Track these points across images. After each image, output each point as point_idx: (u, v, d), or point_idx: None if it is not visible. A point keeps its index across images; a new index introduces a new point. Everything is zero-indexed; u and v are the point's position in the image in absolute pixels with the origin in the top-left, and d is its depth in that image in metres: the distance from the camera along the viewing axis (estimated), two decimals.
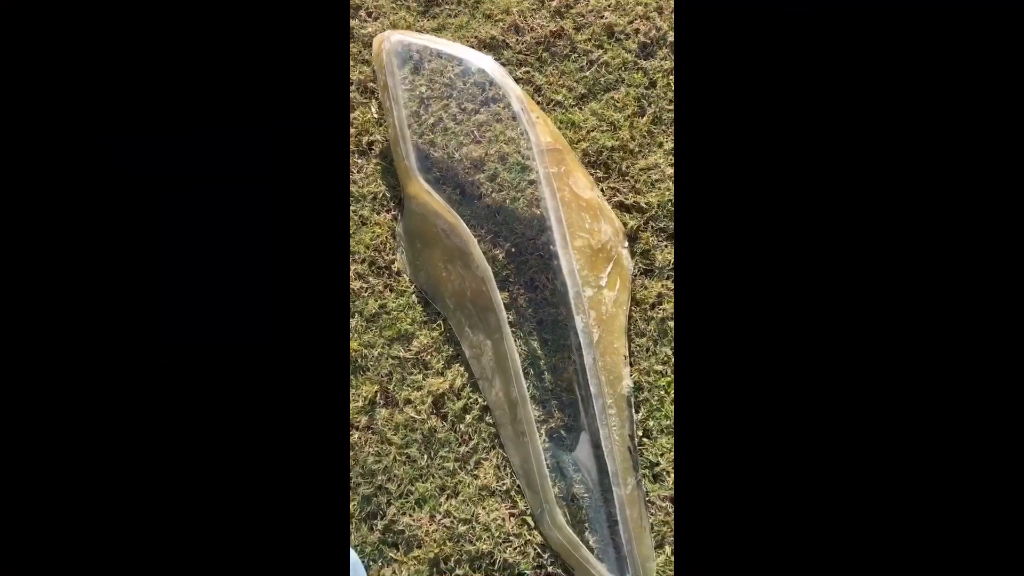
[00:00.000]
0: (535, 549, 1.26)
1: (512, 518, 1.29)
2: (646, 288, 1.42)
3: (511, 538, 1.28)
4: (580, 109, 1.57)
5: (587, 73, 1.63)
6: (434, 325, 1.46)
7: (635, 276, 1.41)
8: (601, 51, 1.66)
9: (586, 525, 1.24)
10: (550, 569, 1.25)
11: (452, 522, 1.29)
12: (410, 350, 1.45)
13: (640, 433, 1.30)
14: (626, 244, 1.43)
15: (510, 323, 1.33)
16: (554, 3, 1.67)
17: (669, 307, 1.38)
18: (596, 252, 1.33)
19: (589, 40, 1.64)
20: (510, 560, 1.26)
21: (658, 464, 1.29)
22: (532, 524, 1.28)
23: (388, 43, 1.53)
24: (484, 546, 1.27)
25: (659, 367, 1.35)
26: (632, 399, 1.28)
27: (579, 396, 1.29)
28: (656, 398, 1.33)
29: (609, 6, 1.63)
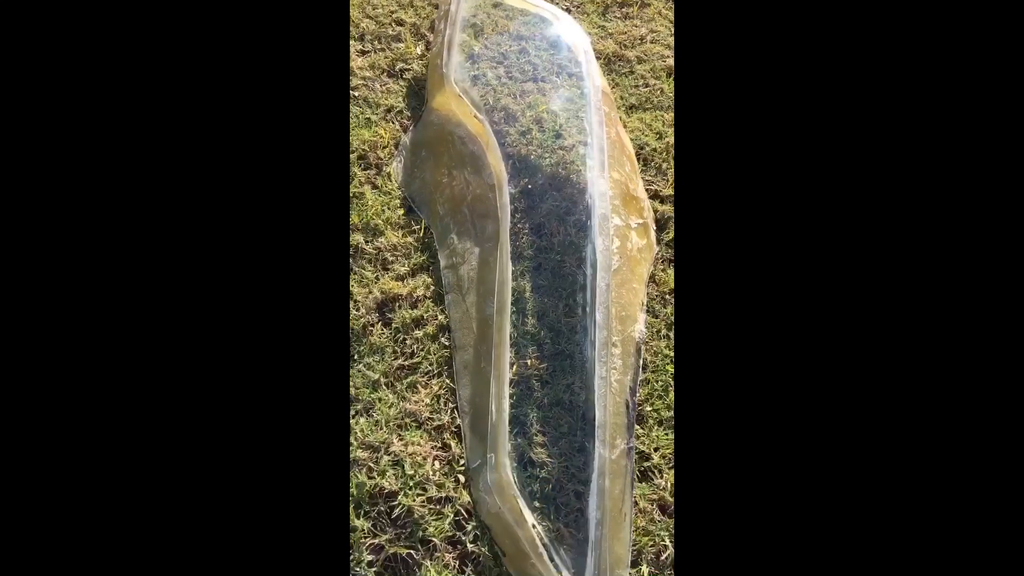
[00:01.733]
0: (457, 511, 0.85)
1: (437, 462, 0.89)
2: (666, 274, 1.19)
3: (427, 484, 0.86)
4: (628, 115, 1.50)
5: (641, 90, 1.59)
6: (409, 231, 1.18)
7: (659, 256, 1.20)
8: (657, 81, 1.64)
9: (538, 503, 0.85)
10: (470, 547, 0.83)
11: (351, 443, 0.88)
12: (372, 244, 1.15)
13: (641, 398, 0.97)
14: (654, 225, 1.24)
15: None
16: (622, 37, 1.70)
17: None
18: (630, 198, 1.13)
19: (649, 72, 1.63)
20: (416, 513, 0.84)
21: (650, 458, 0.94)
22: (462, 479, 0.88)
23: None
24: (386, 483, 0.86)
25: (668, 352, 1.08)
26: (642, 348, 0.98)
27: (579, 327, 0.99)
28: (660, 383, 1.03)
29: (670, 52, 1.65)
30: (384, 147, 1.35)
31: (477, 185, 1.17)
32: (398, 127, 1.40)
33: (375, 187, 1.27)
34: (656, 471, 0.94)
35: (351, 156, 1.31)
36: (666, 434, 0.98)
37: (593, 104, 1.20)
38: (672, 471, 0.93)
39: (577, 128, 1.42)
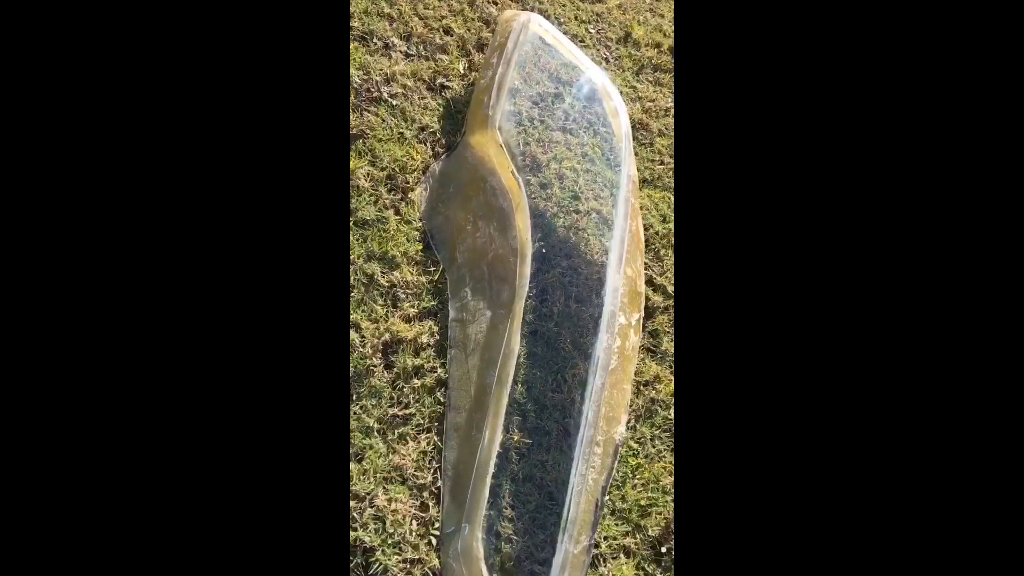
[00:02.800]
0: (425, 573, 0.92)
1: (415, 522, 0.95)
2: (645, 366, 1.28)
3: (403, 545, 0.93)
4: (639, 190, 1.56)
5: (656, 167, 1.65)
6: (424, 269, 1.21)
7: (639, 346, 1.29)
8: (673, 160, 1.71)
9: (497, 575, 0.93)
10: None
11: None
12: (387, 277, 1.17)
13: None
14: (641, 314, 1.32)
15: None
16: (650, 104, 1.74)
17: (664, 391, 1.25)
18: (635, 294, 1.21)
19: (667, 149, 1.69)
20: (390, 572, 0.90)
21: (598, 547, 1.04)
22: (435, 542, 0.95)
23: (528, 24, 1.48)
24: (366, 537, 0.91)
25: (633, 444, 1.17)
26: (619, 451, 1.07)
27: (563, 406, 1.06)
28: (620, 473, 1.13)
29: None
30: (413, 170, 1.35)
31: (501, 245, 1.21)
32: (430, 152, 1.40)
33: (398, 213, 1.28)
34: (602, 559, 1.04)
35: (381, 173, 1.31)
36: (616, 524, 1.09)
37: (623, 195, 1.26)
38: (616, 561, 1.03)
39: (594, 194, 1.48)
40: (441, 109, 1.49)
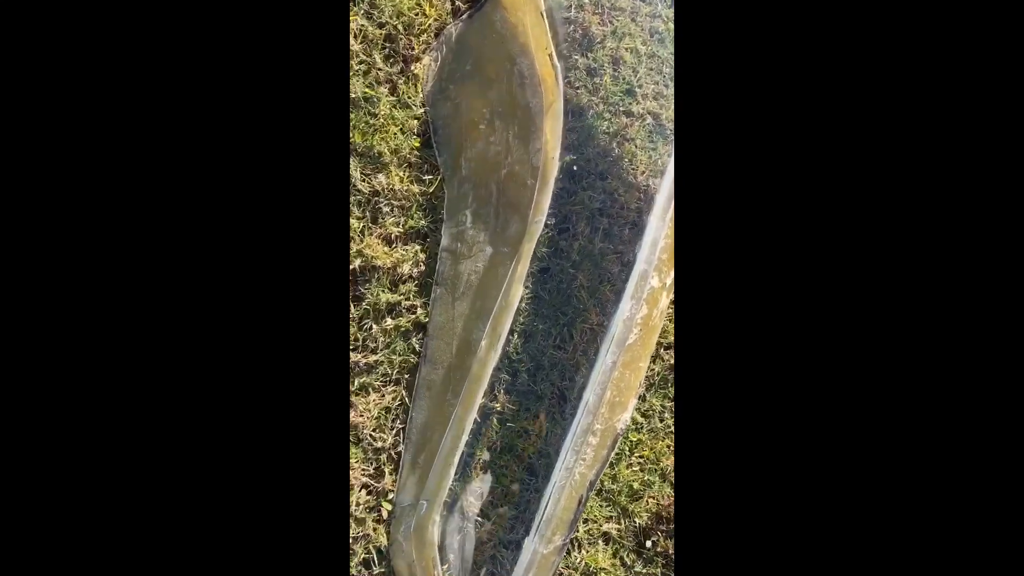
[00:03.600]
0: (368, 551, 0.81)
1: (364, 491, 0.82)
2: (670, 325, 1.07)
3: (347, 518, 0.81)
4: None
5: None
6: (419, 176, 0.96)
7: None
8: None
9: (452, 555, 0.82)
10: None
11: None
12: (369, 181, 0.93)
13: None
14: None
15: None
16: None
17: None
18: (672, 251, 0.96)
19: None
20: None
21: (575, 530, 0.92)
22: (385, 514, 0.83)
23: None
24: None
25: (637, 416, 1.01)
26: (619, 442, 0.90)
27: (566, 367, 0.88)
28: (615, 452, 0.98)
29: None
30: (422, 31, 1.03)
31: (519, 159, 0.93)
32: (448, 6, 1.06)
33: (394, 91, 0.99)
34: (577, 544, 0.92)
35: (377, 33, 0.99)
36: (601, 506, 0.96)
37: None
38: (593, 548, 0.92)
39: (655, 91, 1.16)
40: None
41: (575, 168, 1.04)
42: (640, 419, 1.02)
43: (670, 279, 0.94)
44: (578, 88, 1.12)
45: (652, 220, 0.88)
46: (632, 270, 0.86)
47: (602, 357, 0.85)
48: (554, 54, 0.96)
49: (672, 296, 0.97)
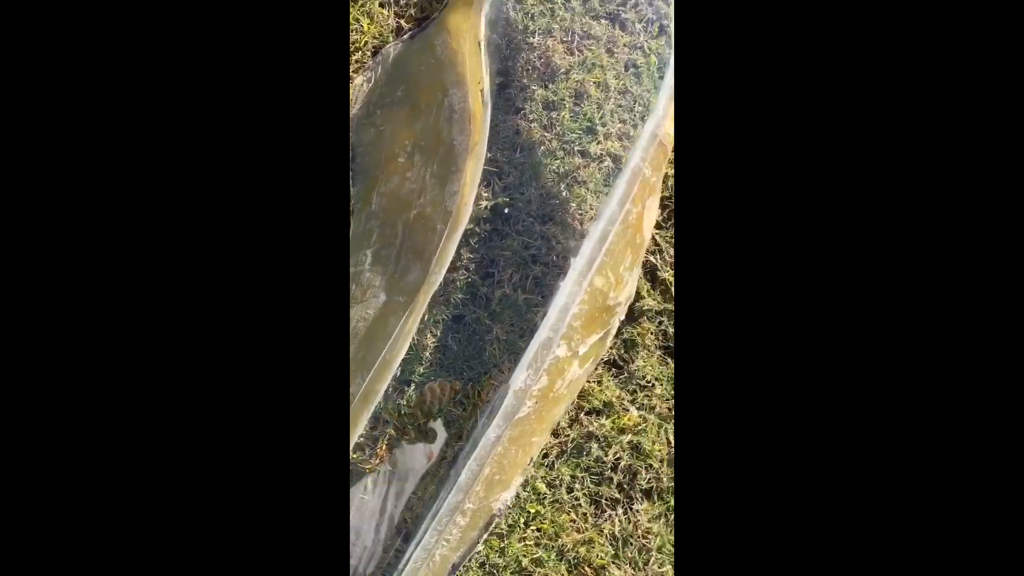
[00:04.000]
0: None
1: None
2: (596, 391, 0.98)
3: None
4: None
5: None
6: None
7: (602, 362, 0.98)
8: None
9: None
10: None
11: None
12: None
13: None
14: (623, 317, 0.99)
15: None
16: None
17: (609, 426, 0.96)
18: (602, 311, 0.87)
19: None
20: None
21: None
22: None
23: None
24: None
25: (541, 485, 0.93)
26: (494, 523, 0.83)
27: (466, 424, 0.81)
28: (505, 525, 0.90)
29: None
30: (358, 49, 0.96)
31: (433, 200, 0.86)
32: (392, 21, 0.99)
33: None
34: None
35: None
36: None
37: (632, 167, 0.85)
38: None
39: (621, 131, 1.07)
40: None
41: (506, 211, 0.97)
42: (544, 489, 0.94)
43: (584, 348, 0.85)
44: (532, 122, 1.04)
45: (564, 285, 0.80)
46: (533, 337, 0.78)
47: (482, 430, 0.77)
48: (486, 89, 0.88)
49: (591, 360, 0.89)
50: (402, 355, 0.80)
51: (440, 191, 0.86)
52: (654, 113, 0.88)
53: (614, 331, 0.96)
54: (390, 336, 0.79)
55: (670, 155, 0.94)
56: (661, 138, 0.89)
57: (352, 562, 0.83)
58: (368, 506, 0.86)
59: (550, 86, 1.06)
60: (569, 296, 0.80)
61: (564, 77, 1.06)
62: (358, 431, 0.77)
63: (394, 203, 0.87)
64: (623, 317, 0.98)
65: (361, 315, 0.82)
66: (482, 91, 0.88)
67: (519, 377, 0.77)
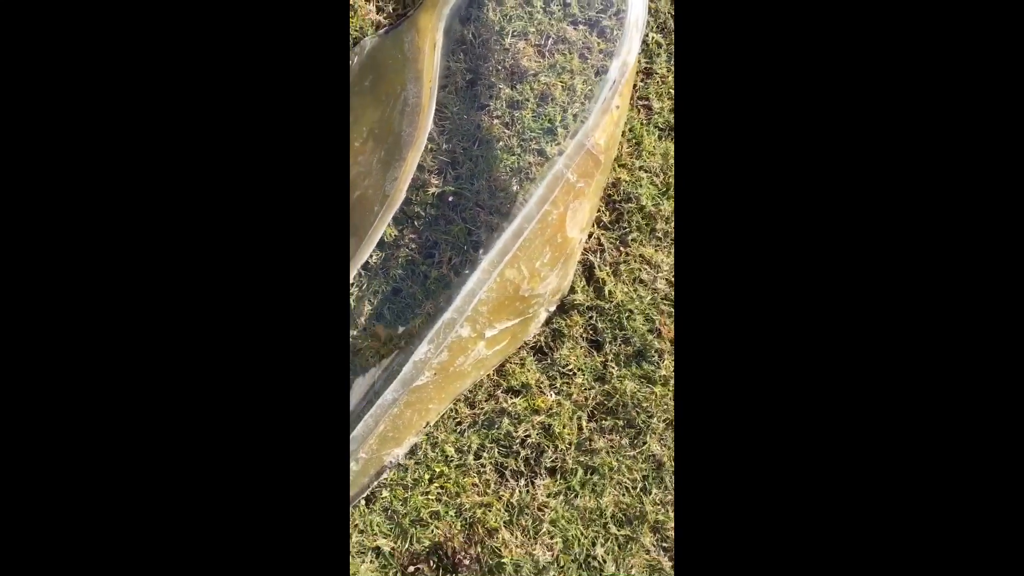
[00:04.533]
0: None
1: None
2: (516, 372, 1.07)
3: None
4: (661, 140, 1.16)
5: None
6: None
7: (530, 344, 1.06)
8: None
9: None
10: None
11: None
12: None
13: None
14: (552, 308, 1.07)
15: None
16: None
17: (524, 406, 1.06)
18: (514, 300, 0.96)
19: None
20: None
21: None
22: None
23: None
24: None
25: (450, 450, 1.03)
26: (384, 475, 0.94)
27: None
28: (412, 476, 1.02)
29: None
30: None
31: (374, 183, 0.96)
32: (374, 13, 1.08)
33: None
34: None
35: None
36: (382, 523, 1.01)
37: (552, 173, 0.92)
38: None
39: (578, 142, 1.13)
40: None
41: (450, 199, 1.06)
42: (452, 453, 1.05)
43: (492, 331, 0.94)
44: (495, 118, 1.11)
45: (473, 274, 0.89)
46: (438, 318, 0.88)
47: (383, 394, 0.89)
48: (435, 87, 0.97)
49: (498, 344, 0.98)
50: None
51: (382, 176, 0.96)
52: (585, 124, 0.94)
53: (540, 320, 1.05)
54: None
55: (602, 163, 1.00)
56: (590, 147, 0.95)
57: None
58: None
59: (517, 86, 1.13)
60: (477, 283, 0.89)
61: (533, 79, 1.13)
62: None
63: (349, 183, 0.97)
64: (552, 308, 1.07)
65: None
66: (431, 88, 0.97)
67: (421, 349, 0.87)
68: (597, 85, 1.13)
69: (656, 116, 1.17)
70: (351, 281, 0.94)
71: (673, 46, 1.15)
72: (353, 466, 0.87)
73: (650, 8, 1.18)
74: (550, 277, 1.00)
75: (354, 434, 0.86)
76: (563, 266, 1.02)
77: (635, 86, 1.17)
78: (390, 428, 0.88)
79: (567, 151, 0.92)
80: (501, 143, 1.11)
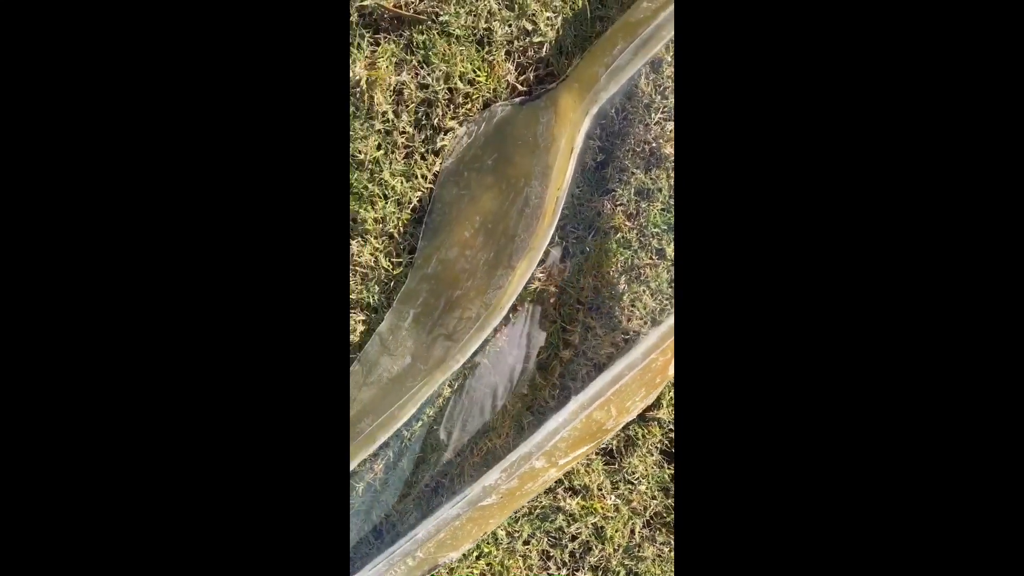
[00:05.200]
0: None
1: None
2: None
3: None
4: None
5: None
6: (396, 254, 0.97)
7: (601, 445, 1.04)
8: None
9: None
10: None
11: None
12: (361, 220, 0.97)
13: None
14: (632, 417, 1.03)
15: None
16: None
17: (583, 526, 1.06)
18: (596, 433, 0.92)
19: None
20: None
21: None
22: None
23: None
24: None
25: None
26: (435, 571, 0.98)
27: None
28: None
29: None
30: (468, 101, 0.96)
31: (478, 286, 0.90)
32: (513, 75, 0.96)
33: (409, 158, 0.96)
34: None
35: (418, 95, 0.94)
36: None
37: (666, 325, 0.83)
38: None
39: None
40: (580, 3, 0.96)
41: (551, 300, 0.99)
42: (503, 536, 1.08)
43: (566, 459, 0.92)
44: (618, 206, 1.01)
45: (561, 414, 0.85)
46: (515, 449, 0.87)
47: (446, 507, 0.90)
48: (563, 196, 0.87)
49: (566, 469, 0.96)
50: (408, 415, 0.92)
51: (487, 280, 0.90)
52: None
53: (616, 429, 1.01)
54: (402, 397, 0.91)
55: None
56: None
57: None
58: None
59: (650, 172, 1.01)
60: (562, 424, 0.86)
61: (673, 166, 1.00)
62: (355, 463, 0.93)
63: (447, 274, 0.93)
64: (632, 418, 1.03)
65: (387, 367, 0.93)
66: (558, 195, 0.87)
67: (492, 475, 0.87)
68: None
69: None
70: (432, 387, 0.92)
71: None
72: (409, 561, 0.92)
73: None
74: (636, 407, 0.95)
75: (416, 536, 0.90)
76: (653, 394, 0.97)
77: None
78: (449, 536, 0.91)
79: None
80: (619, 235, 1.02)
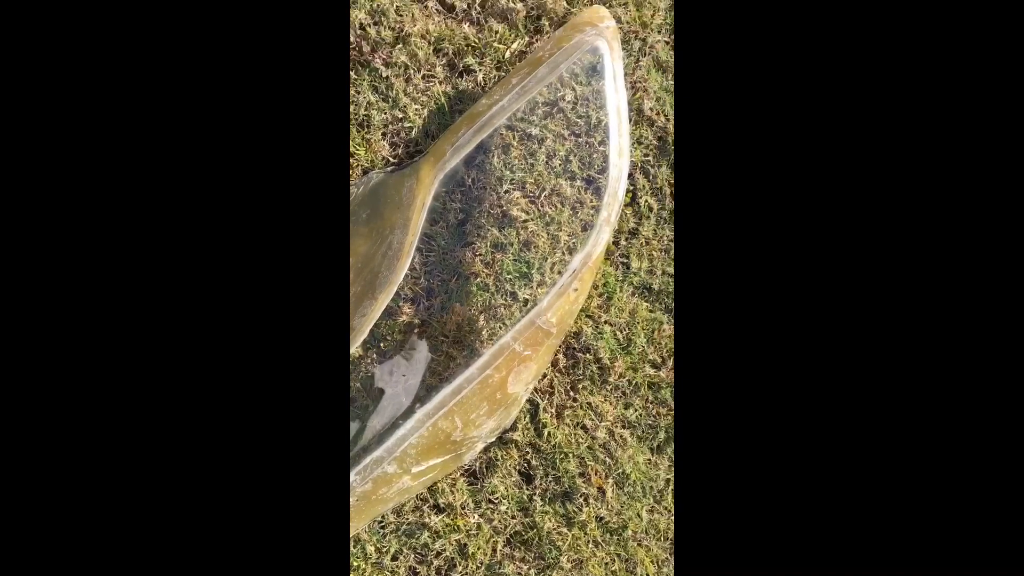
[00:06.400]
0: None
1: None
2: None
3: None
4: (632, 297, 1.23)
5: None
6: None
7: (465, 467, 1.17)
8: None
9: None
10: None
11: None
12: None
13: None
14: (491, 440, 1.17)
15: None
16: None
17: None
18: (445, 443, 1.07)
19: None
20: None
21: None
22: None
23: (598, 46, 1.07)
24: None
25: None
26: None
27: None
28: None
29: None
30: (353, 167, 1.19)
31: (351, 314, 1.08)
32: (387, 151, 1.20)
33: None
34: None
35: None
36: None
37: (501, 343, 1.02)
38: None
39: (552, 282, 1.23)
40: (441, 101, 1.22)
41: (415, 332, 1.17)
42: (372, 552, 1.17)
43: (419, 468, 1.06)
44: (477, 256, 1.22)
45: (409, 422, 1.00)
46: (368, 453, 1.00)
47: None
48: (415, 242, 1.08)
49: (425, 479, 1.09)
50: None
51: (354, 309, 1.08)
52: (539, 304, 1.04)
53: (476, 450, 1.15)
54: None
55: (554, 334, 1.09)
56: (540, 324, 1.05)
57: None
58: None
59: (504, 230, 1.23)
60: (410, 431, 1.01)
61: (522, 227, 1.22)
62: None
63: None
64: (491, 440, 1.17)
65: None
66: (410, 245, 1.08)
67: (354, 480, 1.00)
68: (581, 239, 1.22)
69: (632, 275, 1.25)
70: None
71: (664, 212, 1.22)
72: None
73: (648, 173, 1.26)
74: (487, 422, 1.11)
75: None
76: (504, 411, 1.12)
77: (618, 244, 1.25)
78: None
79: (517, 326, 1.02)
80: (479, 280, 1.22)
